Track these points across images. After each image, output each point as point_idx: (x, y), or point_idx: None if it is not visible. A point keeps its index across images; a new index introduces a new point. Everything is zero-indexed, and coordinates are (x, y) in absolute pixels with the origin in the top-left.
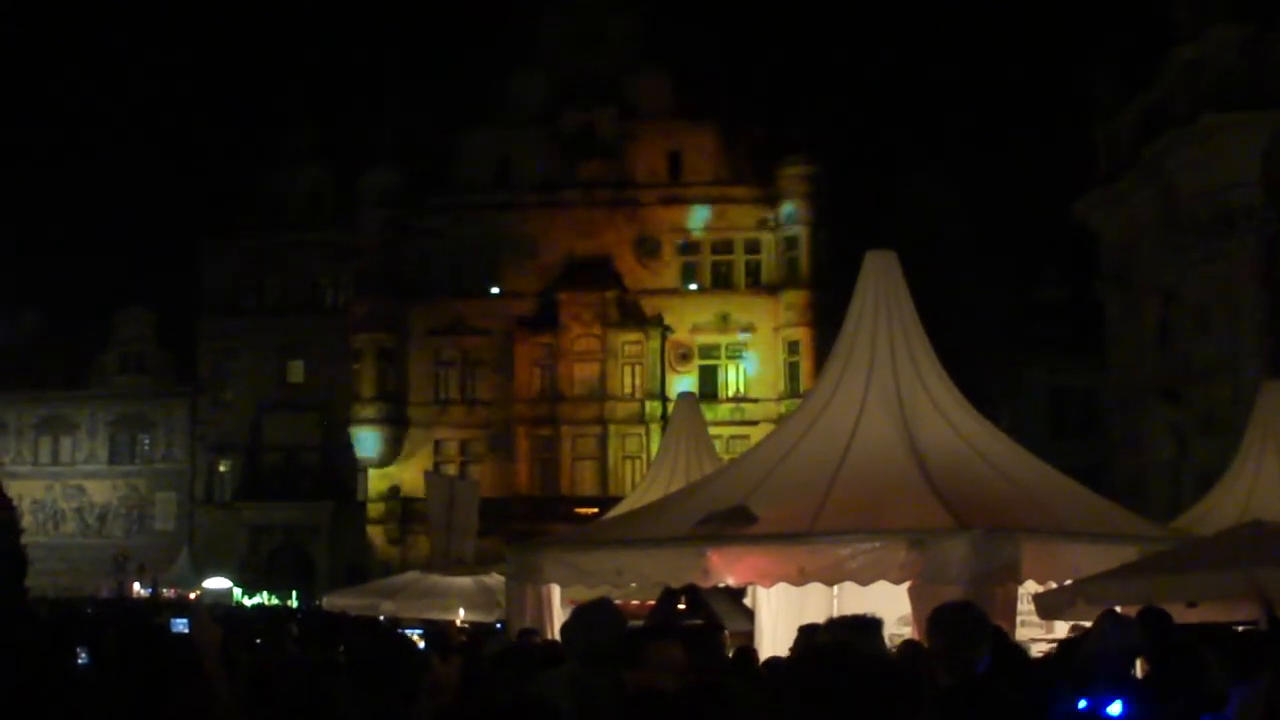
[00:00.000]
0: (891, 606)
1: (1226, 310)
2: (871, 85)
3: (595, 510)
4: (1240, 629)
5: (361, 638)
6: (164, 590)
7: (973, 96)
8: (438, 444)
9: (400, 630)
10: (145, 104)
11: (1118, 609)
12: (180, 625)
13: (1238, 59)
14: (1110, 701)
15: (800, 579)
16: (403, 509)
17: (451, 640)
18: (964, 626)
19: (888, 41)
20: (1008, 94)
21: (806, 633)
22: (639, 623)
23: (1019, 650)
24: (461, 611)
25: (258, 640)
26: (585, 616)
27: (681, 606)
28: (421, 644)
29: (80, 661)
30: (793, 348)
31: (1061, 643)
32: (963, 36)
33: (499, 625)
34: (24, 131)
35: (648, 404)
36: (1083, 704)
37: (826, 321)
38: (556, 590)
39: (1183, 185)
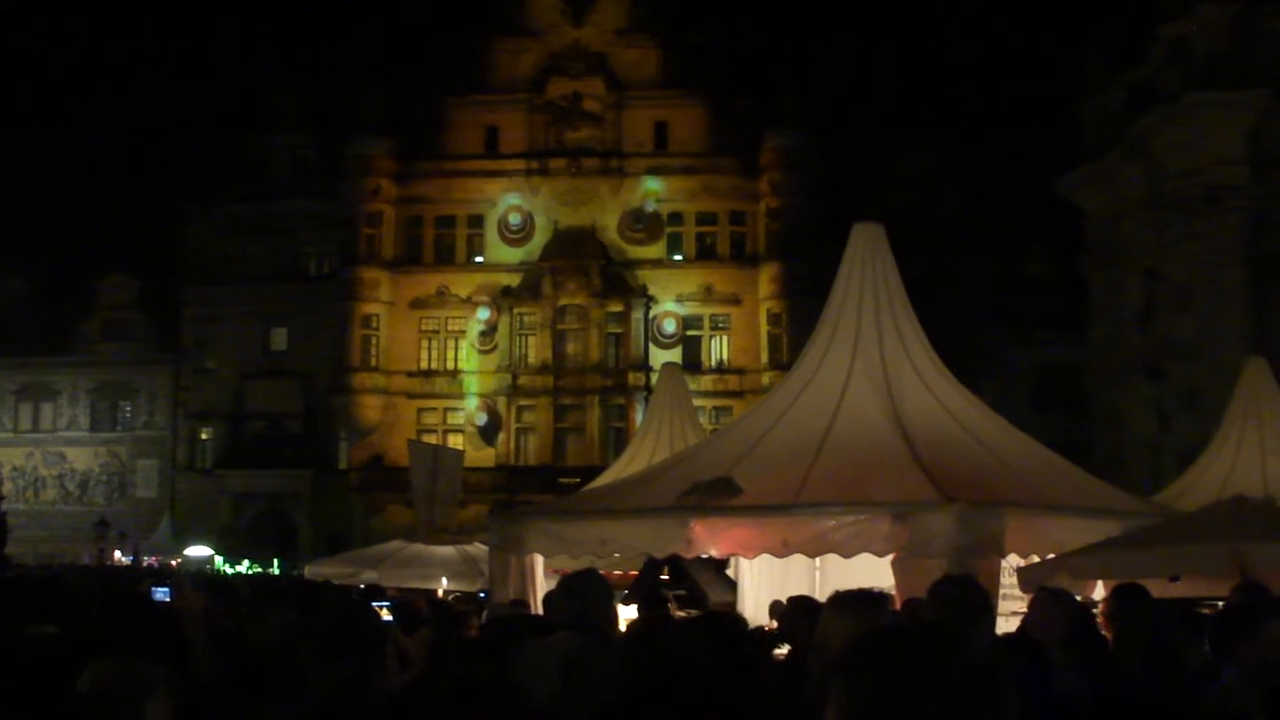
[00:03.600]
0: (875, 579)
1: (1209, 288)
2: (860, 59)
3: (578, 481)
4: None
5: (324, 604)
6: (145, 558)
7: (962, 71)
8: (420, 413)
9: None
10: (130, 69)
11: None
12: (162, 594)
13: (1224, 37)
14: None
15: (784, 550)
16: (385, 478)
17: (419, 613)
18: (965, 602)
19: (877, 15)
20: (998, 69)
21: (796, 604)
22: (624, 592)
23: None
24: (444, 581)
25: (241, 609)
26: (572, 586)
27: (664, 577)
28: (388, 616)
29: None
30: (775, 320)
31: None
32: (953, 11)
33: (482, 594)
34: (6, 96)
35: (631, 374)
36: (1073, 681)
37: (811, 293)
38: (540, 560)
39: (1168, 163)
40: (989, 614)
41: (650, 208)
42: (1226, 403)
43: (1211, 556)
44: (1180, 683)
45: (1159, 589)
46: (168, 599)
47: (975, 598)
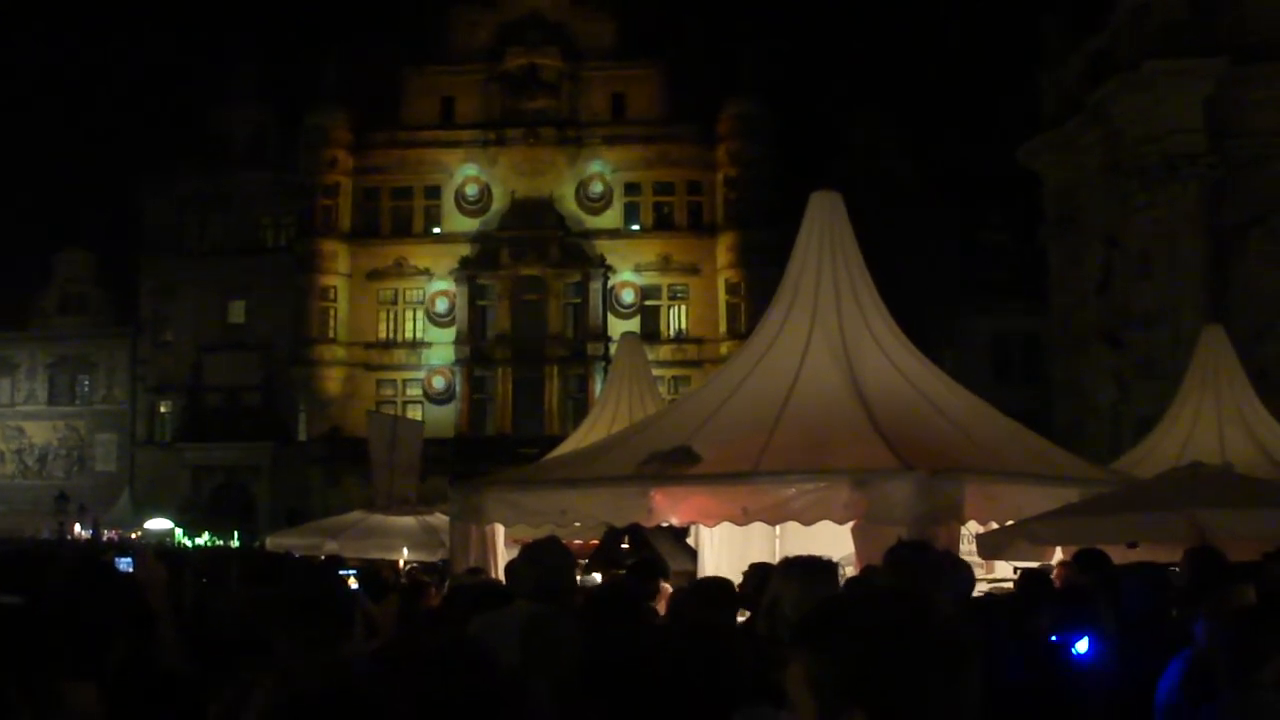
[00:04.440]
0: (835, 546)
1: (1167, 256)
2: (819, 26)
3: (537, 451)
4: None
5: (292, 574)
6: (105, 531)
7: (922, 39)
8: (379, 384)
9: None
10: (87, 41)
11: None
12: (124, 564)
13: (1183, 5)
14: (1077, 639)
15: (744, 519)
16: (344, 450)
17: (385, 581)
18: (922, 566)
19: None
20: (957, 37)
21: (757, 571)
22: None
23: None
24: (405, 551)
25: (203, 580)
26: (534, 555)
27: (625, 546)
28: (355, 584)
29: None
30: (734, 289)
31: (1021, 580)
32: None
33: (442, 563)
34: None
35: (590, 344)
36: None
37: (769, 263)
38: (500, 530)
39: (1126, 131)
40: (945, 578)
41: (599, 189)
42: (1185, 371)
43: (1169, 523)
44: (1148, 647)
45: (1118, 555)
46: (131, 569)
47: (931, 562)
